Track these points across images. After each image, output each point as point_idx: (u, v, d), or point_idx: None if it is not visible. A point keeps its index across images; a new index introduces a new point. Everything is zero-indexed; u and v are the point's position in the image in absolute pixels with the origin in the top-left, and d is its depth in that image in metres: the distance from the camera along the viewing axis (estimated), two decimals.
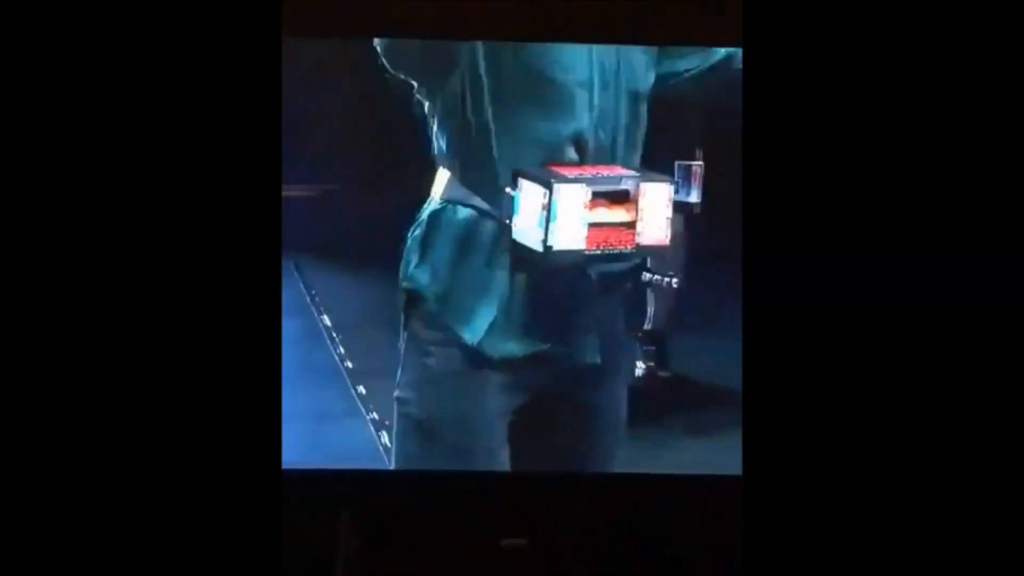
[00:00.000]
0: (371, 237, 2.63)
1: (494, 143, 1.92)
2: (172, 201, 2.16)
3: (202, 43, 2.17)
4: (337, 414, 3.01)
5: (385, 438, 2.89)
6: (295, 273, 3.02)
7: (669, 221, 1.99)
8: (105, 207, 2.15)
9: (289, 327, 2.61)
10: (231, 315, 2.17)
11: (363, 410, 3.00)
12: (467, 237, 1.89)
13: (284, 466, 2.29)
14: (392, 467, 2.59)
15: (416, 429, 2.22)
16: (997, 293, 2.15)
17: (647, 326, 2.28)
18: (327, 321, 3.08)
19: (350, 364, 3.02)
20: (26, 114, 2.13)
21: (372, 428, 2.93)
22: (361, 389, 3.01)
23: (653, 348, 2.35)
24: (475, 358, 2.05)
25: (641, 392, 2.44)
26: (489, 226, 1.92)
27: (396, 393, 2.37)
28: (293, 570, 2.52)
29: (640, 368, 2.32)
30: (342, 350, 3.05)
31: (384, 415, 2.91)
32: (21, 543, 2.11)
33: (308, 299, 3.08)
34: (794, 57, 2.18)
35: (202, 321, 2.16)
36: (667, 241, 1.98)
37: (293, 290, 3.07)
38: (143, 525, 2.14)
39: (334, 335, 3.05)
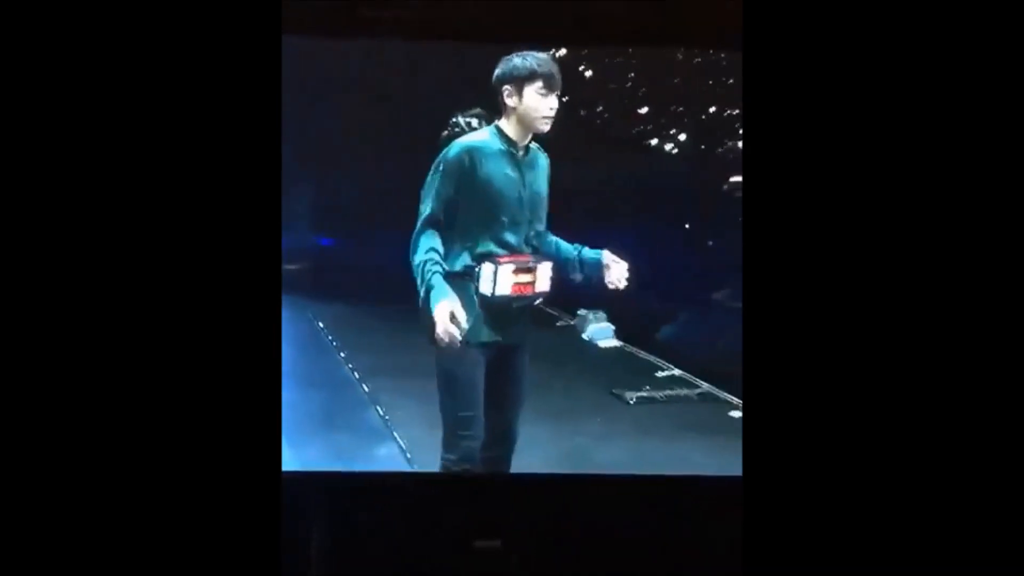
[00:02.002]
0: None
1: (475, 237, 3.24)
2: (173, 201, 2.14)
3: (202, 42, 2.15)
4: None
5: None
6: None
7: (551, 280, 3.27)
8: (104, 208, 2.12)
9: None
10: (231, 318, 2.14)
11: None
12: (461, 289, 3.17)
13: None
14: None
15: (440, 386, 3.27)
16: (997, 293, 2.11)
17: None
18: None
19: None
20: (28, 113, 2.11)
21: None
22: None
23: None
24: (470, 348, 3.20)
25: None
26: (469, 285, 3.21)
27: None
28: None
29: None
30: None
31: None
32: (22, 541, 2.08)
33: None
34: (793, 58, 2.15)
35: (202, 325, 2.13)
36: (548, 288, 3.28)
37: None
38: (143, 525, 2.11)
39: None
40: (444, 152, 3.22)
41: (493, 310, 3.22)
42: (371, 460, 3.68)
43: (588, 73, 3.93)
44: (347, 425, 3.84)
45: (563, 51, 3.59)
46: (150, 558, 2.11)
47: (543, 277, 3.27)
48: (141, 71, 2.14)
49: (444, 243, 3.18)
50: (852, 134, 2.14)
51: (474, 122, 3.30)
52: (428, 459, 3.34)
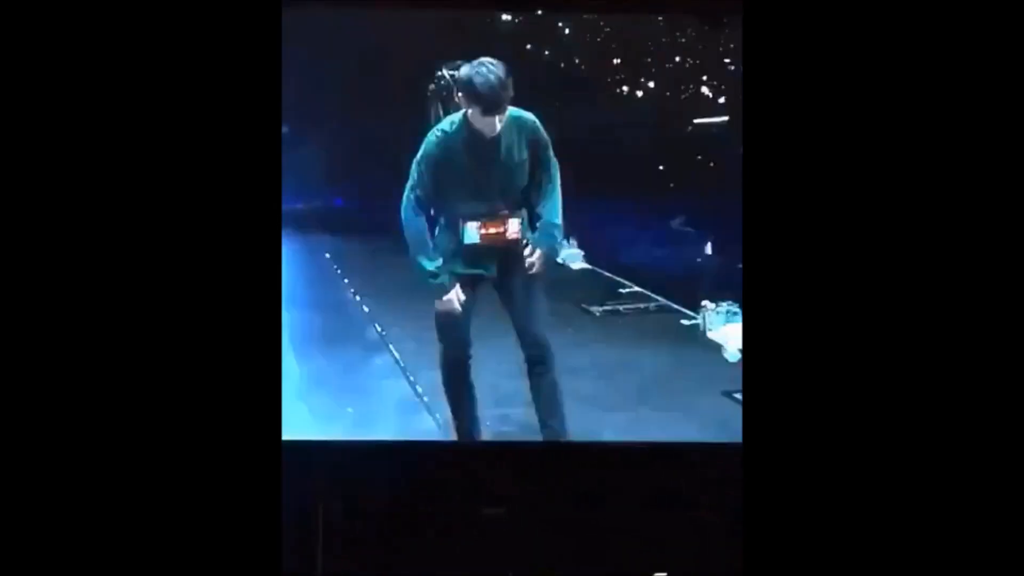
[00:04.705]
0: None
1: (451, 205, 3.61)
2: (172, 174, 2.07)
3: (201, 19, 2.07)
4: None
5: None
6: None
7: (519, 230, 3.63)
8: (105, 195, 2.06)
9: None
10: (232, 295, 2.07)
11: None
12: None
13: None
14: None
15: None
16: (997, 293, 2.05)
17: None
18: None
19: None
20: (23, 101, 2.05)
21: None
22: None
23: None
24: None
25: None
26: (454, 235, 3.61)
27: None
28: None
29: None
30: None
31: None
32: (26, 512, 2.03)
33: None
34: (794, 37, 2.07)
35: (203, 304, 2.07)
36: (518, 236, 3.62)
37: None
38: (139, 501, 2.06)
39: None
40: (425, 141, 3.58)
41: (469, 253, 3.63)
42: (371, 372, 4.02)
43: (567, 31, 4.06)
44: (350, 341, 4.17)
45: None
46: (145, 535, 2.06)
47: (512, 228, 3.63)
48: (138, 48, 2.07)
49: (432, 207, 3.61)
50: (853, 124, 2.08)
51: (457, 73, 3.55)
52: (417, 366, 3.93)
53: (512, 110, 3.52)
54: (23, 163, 2.03)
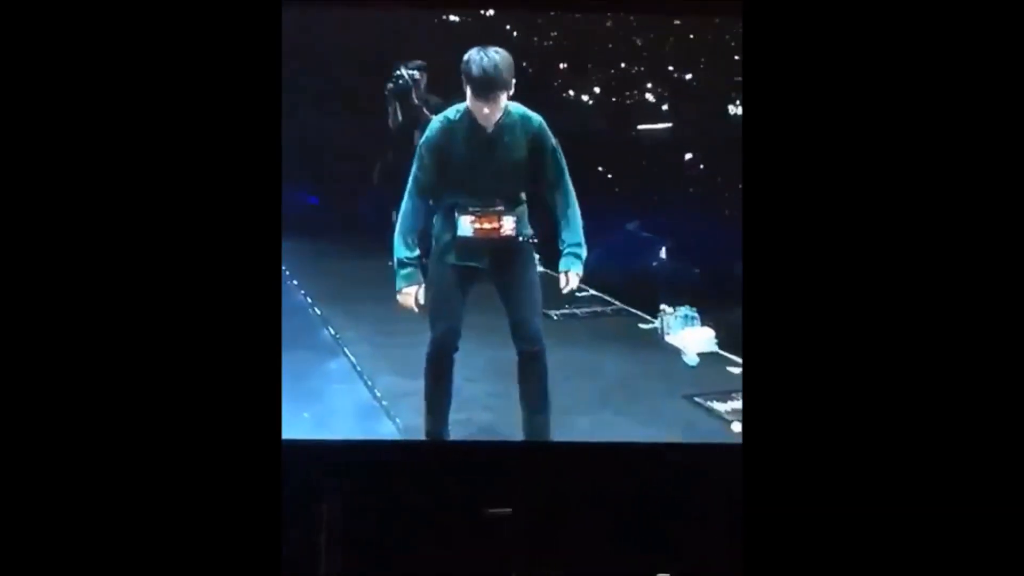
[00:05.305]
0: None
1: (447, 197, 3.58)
2: (172, 181, 2.04)
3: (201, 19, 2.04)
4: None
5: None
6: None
7: (514, 228, 3.59)
8: (105, 196, 2.03)
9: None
10: (232, 294, 2.05)
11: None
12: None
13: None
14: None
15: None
16: (996, 292, 2.06)
17: None
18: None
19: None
20: (23, 101, 2.02)
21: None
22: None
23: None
24: (447, 267, 3.60)
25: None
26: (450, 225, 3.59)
27: None
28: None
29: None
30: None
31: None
32: (28, 512, 2.00)
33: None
34: (794, 37, 2.07)
35: (203, 305, 2.05)
36: (512, 234, 3.60)
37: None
38: (146, 506, 2.03)
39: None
40: (428, 126, 3.60)
41: (462, 245, 3.58)
42: (326, 376, 3.99)
43: (515, 33, 4.06)
44: (303, 345, 4.06)
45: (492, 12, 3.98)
46: (146, 535, 2.03)
47: (507, 226, 3.59)
48: (138, 48, 2.04)
49: (431, 197, 3.60)
50: (852, 124, 2.08)
51: (416, 74, 3.79)
52: (374, 370, 3.95)
53: (520, 108, 3.55)
54: (22, 163, 2.00)
